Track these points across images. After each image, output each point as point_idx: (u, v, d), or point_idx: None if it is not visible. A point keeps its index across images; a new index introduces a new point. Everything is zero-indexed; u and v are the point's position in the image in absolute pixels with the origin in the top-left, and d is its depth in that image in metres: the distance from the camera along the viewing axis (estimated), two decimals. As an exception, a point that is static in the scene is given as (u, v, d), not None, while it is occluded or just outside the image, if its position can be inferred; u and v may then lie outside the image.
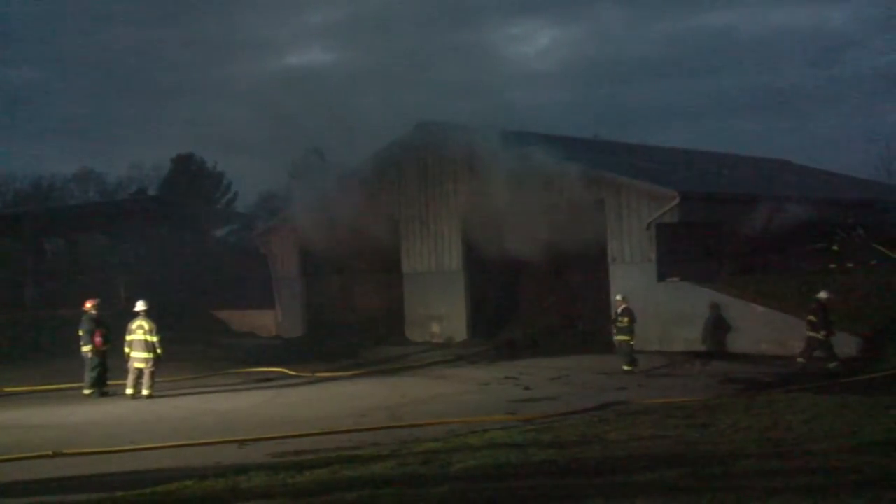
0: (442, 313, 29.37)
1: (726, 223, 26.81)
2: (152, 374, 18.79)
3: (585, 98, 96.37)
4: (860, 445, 10.30)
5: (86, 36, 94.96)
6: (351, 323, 32.00)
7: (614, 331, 21.49)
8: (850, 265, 28.32)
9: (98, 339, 19.24)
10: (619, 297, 21.65)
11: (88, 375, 19.29)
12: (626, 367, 20.80)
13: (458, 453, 10.78)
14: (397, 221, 30.52)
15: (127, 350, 18.86)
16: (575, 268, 29.61)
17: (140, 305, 19.10)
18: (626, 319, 21.24)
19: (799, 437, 11.14)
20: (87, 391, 19.21)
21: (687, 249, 26.07)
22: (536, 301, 30.40)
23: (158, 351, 18.77)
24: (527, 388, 18.86)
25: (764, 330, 22.66)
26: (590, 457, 10.31)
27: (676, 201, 24.38)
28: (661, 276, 24.78)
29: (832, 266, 28.39)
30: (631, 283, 25.10)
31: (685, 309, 24.06)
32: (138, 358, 18.68)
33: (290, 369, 22.75)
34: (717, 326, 23.63)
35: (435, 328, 29.46)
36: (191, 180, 60.28)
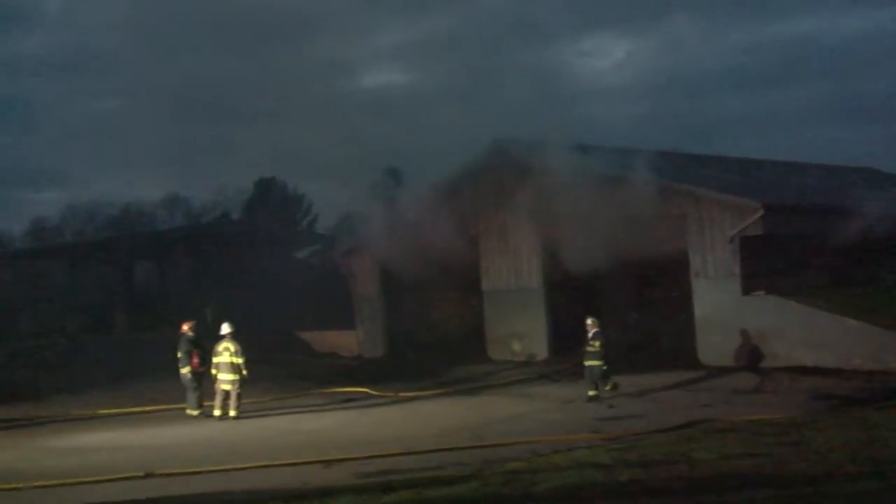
0: (522, 331, 29.22)
1: (812, 235, 26.16)
2: (239, 396, 19.11)
3: (663, 110, 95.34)
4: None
5: (168, 64, 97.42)
6: (431, 342, 32.06)
7: (585, 355, 20.27)
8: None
9: (195, 361, 19.62)
10: (589, 321, 20.60)
11: (192, 396, 19.62)
12: (590, 392, 19.77)
13: (542, 473, 10.70)
14: (476, 239, 30.53)
15: (214, 372, 19.24)
16: (657, 283, 29.24)
17: (225, 328, 19.47)
18: (597, 343, 20.11)
19: (896, 454, 10.77)
20: (193, 412, 19.51)
21: (772, 262, 25.48)
22: (619, 318, 30.07)
23: (244, 372, 19.09)
24: (611, 406, 18.65)
25: (856, 344, 21.98)
26: (676, 476, 10.13)
27: (760, 213, 23.88)
28: (746, 291, 24.26)
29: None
30: (715, 298, 24.69)
31: (772, 323, 23.51)
32: (225, 380, 19.04)
33: (372, 389, 22.89)
34: (753, 354, 23.48)
35: (516, 346, 29.31)
36: (273, 203, 61.39)
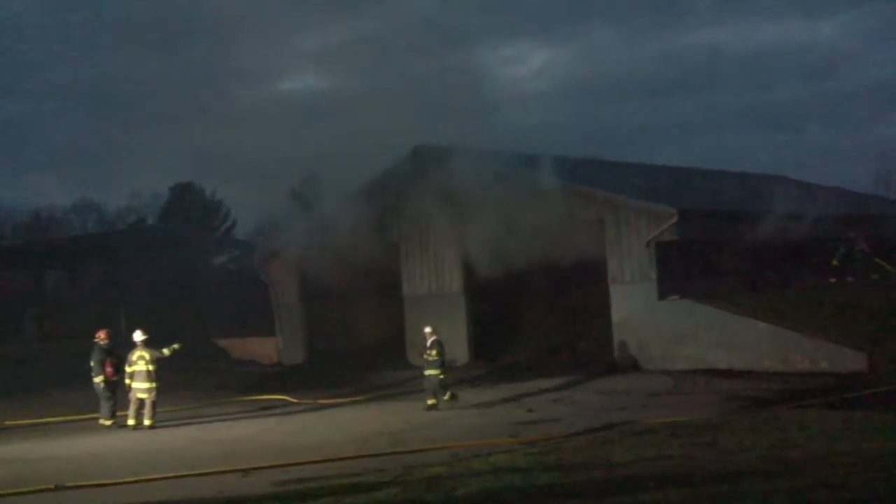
0: (443, 337, 29.19)
1: (726, 240, 26.82)
2: (154, 404, 18.74)
3: (580, 117, 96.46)
4: (866, 461, 10.24)
5: (79, 65, 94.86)
6: (352, 348, 31.90)
7: (424, 365, 20.40)
8: (850, 279, 28.36)
9: (109, 370, 19.16)
10: (427, 329, 20.83)
11: (105, 406, 19.14)
12: (429, 402, 19.73)
13: (462, 478, 10.72)
14: (397, 245, 30.48)
15: (128, 381, 18.84)
16: (576, 288, 29.59)
17: (138, 336, 19.07)
18: (434, 352, 20.20)
19: (805, 453, 11.07)
20: (106, 422, 19.05)
21: (687, 267, 26.06)
22: (538, 322, 30.33)
23: (165, 351, 18.81)
24: (529, 410, 18.78)
25: (766, 346, 22.57)
26: (594, 479, 10.24)
27: (675, 219, 24.35)
28: (662, 295, 24.71)
29: (832, 280, 28.43)
30: (631, 303, 25.10)
31: (686, 327, 24.00)
32: (140, 388, 18.66)
33: (291, 396, 22.67)
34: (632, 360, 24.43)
35: (436, 352, 29.28)
36: (189, 208, 60.42)
